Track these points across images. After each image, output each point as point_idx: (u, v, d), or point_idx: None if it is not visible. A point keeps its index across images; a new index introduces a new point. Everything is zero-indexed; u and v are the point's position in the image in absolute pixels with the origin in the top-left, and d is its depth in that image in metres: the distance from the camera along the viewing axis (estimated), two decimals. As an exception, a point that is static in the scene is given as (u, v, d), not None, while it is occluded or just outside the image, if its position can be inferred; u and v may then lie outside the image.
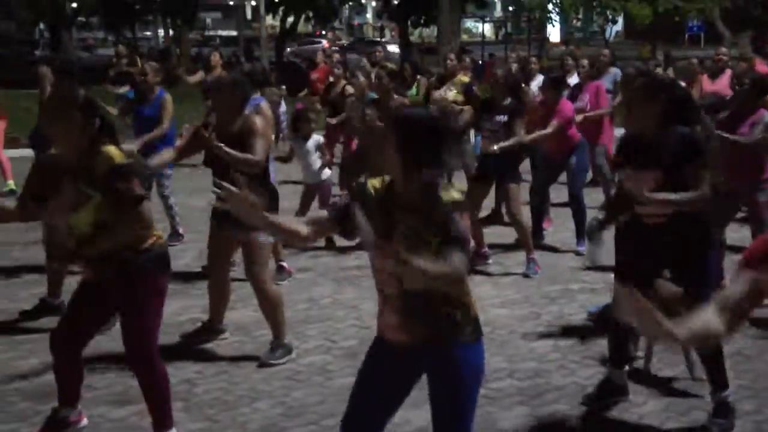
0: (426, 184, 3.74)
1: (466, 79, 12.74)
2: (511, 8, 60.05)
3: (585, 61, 13.26)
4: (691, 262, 5.75)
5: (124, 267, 4.98)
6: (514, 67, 15.09)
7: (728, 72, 12.50)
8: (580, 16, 52.35)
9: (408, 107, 4.51)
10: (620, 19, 52.25)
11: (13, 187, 13.83)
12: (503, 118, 9.39)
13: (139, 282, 5.04)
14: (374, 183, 3.94)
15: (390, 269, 3.79)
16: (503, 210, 10.71)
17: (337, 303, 8.34)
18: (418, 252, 3.62)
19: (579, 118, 10.55)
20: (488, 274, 9.28)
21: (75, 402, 5.56)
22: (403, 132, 3.77)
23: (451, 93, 12.01)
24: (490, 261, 9.64)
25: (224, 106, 6.98)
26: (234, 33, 58.23)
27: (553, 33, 60.75)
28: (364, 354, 4.32)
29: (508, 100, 9.62)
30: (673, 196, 5.54)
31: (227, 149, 6.45)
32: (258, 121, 6.92)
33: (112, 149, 4.97)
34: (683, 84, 10.16)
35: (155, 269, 5.16)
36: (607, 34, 52.45)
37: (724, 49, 15.76)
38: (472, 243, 8.20)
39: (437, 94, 11.99)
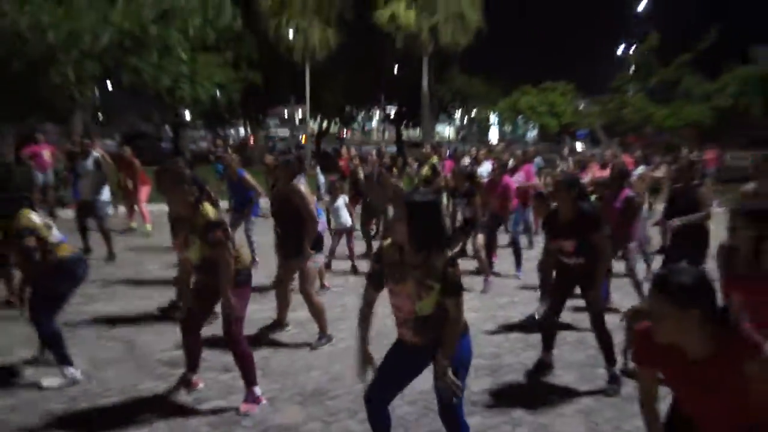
0: (427, 248, 3.74)
1: (434, 160, 12.80)
2: (466, 118, 60.21)
3: (518, 152, 13.30)
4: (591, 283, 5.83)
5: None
6: (467, 161, 15.19)
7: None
8: (510, 126, 52.49)
9: (410, 192, 4.51)
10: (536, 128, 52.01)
11: (149, 229, 13.75)
12: (464, 200, 9.50)
13: (234, 291, 5.07)
14: (389, 247, 3.94)
15: (403, 304, 3.90)
16: (468, 248, 10.71)
17: (358, 308, 8.28)
18: (423, 294, 3.75)
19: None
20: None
21: (196, 369, 5.58)
22: (410, 214, 3.74)
23: (424, 169, 12.08)
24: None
25: (283, 177, 7.07)
26: (287, 133, 58.89)
27: (493, 135, 60.67)
28: (380, 342, 4.35)
29: (466, 185, 9.66)
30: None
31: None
32: (302, 187, 6.96)
33: (208, 207, 5.03)
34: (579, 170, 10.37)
35: (244, 282, 5.20)
36: (528, 137, 52.90)
37: (609, 151, 15.75)
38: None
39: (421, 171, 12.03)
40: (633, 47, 36.69)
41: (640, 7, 41.60)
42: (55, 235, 5.84)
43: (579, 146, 18.79)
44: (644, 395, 3.15)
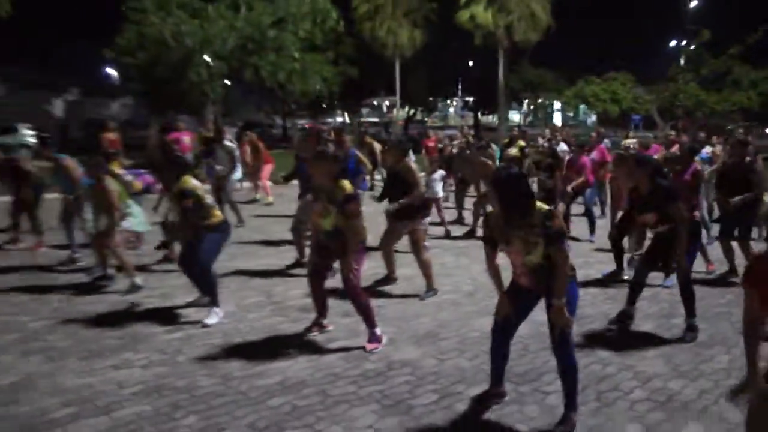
0: (520, 213, 3.77)
1: (522, 143, 12.62)
2: (532, 106, 58.93)
3: (593, 134, 12.94)
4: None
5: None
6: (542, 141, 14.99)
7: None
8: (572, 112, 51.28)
9: (499, 168, 4.51)
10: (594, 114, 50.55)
11: (271, 201, 14.06)
12: (547, 173, 9.36)
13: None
14: (493, 215, 3.99)
15: (515, 259, 3.93)
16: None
17: (456, 266, 8.32)
18: (530, 249, 3.78)
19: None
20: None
21: (325, 314, 5.68)
22: (497, 188, 3.81)
23: (513, 150, 11.88)
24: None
25: (395, 155, 7.08)
26: (377, 119, 59.08)
27: (557, 120, 59.20)
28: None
29: (548, 161, 9.55)
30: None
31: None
32: (412, 164, 7.01)
33: (345, 183, 5.16)
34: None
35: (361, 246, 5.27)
36: (588, 122, 51.62)
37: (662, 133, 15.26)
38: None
39: (508, 152, 11.82)
40: (684, 42, 35.58)
41: (693, 4, 39.81)
42: (209, 199, 6.08)
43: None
44: (749, 317, 3.04)
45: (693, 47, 33.92)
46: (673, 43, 40.10)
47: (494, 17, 33.43)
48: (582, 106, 43.18)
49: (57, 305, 6.47)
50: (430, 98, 51.37)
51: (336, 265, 5.69)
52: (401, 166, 6.92)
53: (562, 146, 13.62)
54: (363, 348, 5.25)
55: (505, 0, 33.45)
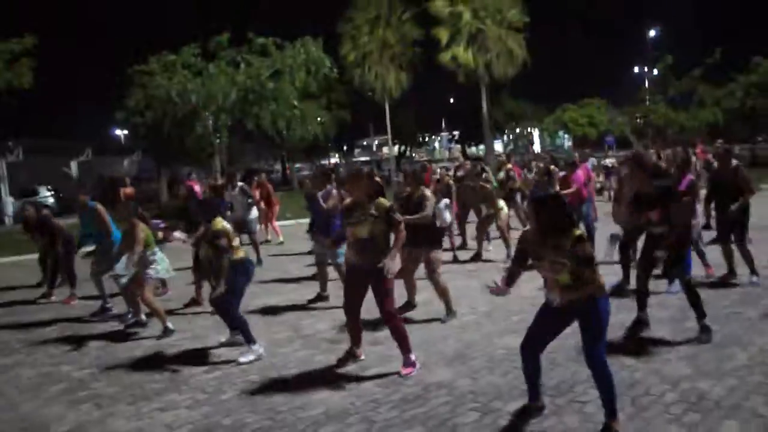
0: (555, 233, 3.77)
1: (509, 166, 12.57)
2: (511, 135, 59.32)
3: (577, 155, 12.96)
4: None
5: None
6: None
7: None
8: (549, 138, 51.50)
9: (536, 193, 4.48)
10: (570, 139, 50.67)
11: (282, 240, 13.96)
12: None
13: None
14: (532, 231, 3.96)
15: (546, 275, 3.91)
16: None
17: (469, 289, 8.17)
18: (558, 269, 3.75)
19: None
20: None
21: (359, 343, 5.56)
22: (536, 209, 3.86)
23: (501, 174, 11.93)
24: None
25: (412, 183, 7.05)
26: (368, 158, 59.44)
27: (536, 147, 59.49)
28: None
29: (545, 178, 9.61)
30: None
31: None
32: (428, 191, 6.97)
33: (383, 199, 5.22)
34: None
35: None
36: (565, 146, 52.15)
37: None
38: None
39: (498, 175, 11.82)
40: (646, 68, 36.66)
41: (651, 33, 40.76)
42: (237, 240, 6.02)
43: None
44: None
45: (656, 72, 34.66)
46: (636, 69, 40.97)
47: (474, 56, 33.79)
48: (560, 132, 43.44)
49: (96, 353, 6.34)
50: (419, 134, 51.70)
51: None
52: (419, 194, 6.87)
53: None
54: (398, 373, 5.11)
55: (484, 39, 33.85)
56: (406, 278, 7.24)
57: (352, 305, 5.38)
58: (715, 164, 8.07)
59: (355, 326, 5.48)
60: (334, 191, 7.86)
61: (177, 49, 21.10)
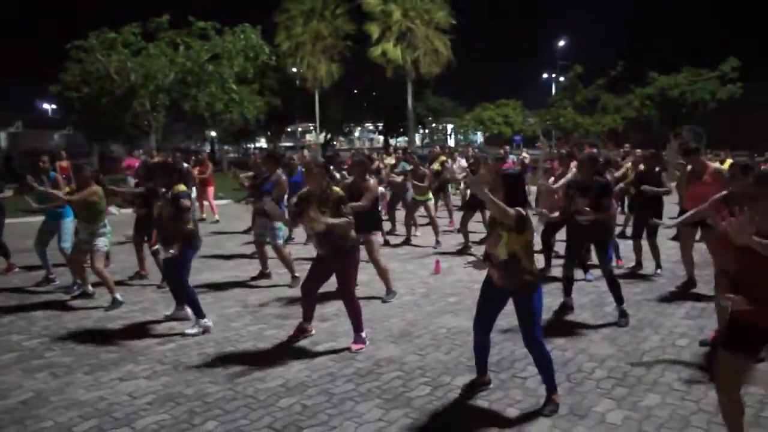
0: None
1: (443, 158, 12.67)
2: (427, 129, 60.13)
3: (501, 151, 13.31)
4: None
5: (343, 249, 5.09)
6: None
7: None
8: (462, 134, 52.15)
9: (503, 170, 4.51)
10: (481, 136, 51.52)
11: (217, 219, 13.62)
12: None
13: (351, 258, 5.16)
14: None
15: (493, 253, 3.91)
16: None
17: (405, 272, 8.25)
18: (497, 242, 3.84)
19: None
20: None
21: (311, 320, 5.52)
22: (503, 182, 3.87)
23: (435, 165, 11.98)
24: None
25: (357, 173, 7.00)
26: (292, 144, 58.81)
27: (450, 142, 60.35)
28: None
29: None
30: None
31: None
32: (372, 181, 6.95)
33: (336, 189, 5.13)
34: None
35: (357, 251, 5.22)
36: (477, 142, 53.28)
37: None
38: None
39: (432, 167, 11.84)
40: (554, 74, 38.26)
41: (561, 43, 42.39)
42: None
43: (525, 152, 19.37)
44: None
45: (563, 78, 35.97)
46: (545, 75, 42.40)
47: (403, 53, 34.02)
48: (471, 129, 44.00)
49: (45, 323, 6.01)
50: (344, 124, 51.47)
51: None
52: (365, 182, 6.84)
53: (462, 162, 14.08)
54: (348, 349, 5.13)
55: (412, 37, 34.11)
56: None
57: (311, 287, 5.32)
58: (641, 167, 8.41)
59: (310, 305, 5.43)
60: (283, 177, 7.73)
61: (117, 27, 20.22)
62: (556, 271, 7.50)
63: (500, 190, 3.82)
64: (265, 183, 7.65)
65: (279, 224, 7.39)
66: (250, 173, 9.19)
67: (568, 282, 6.28)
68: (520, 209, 3.74)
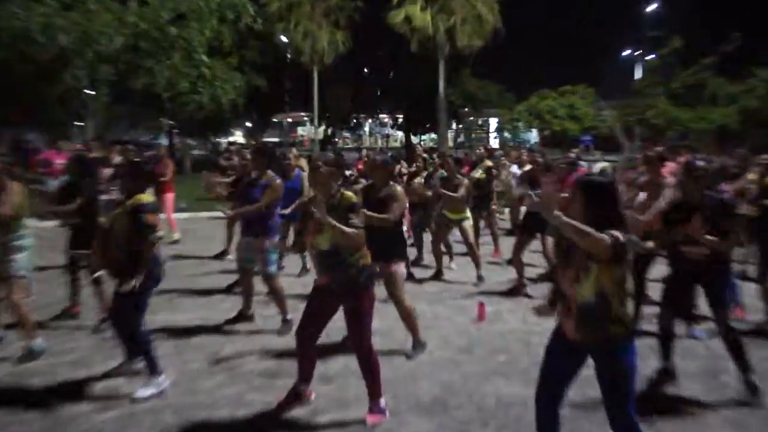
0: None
1: (489, 164, 12.65)
2: (460, 125, 60.65)
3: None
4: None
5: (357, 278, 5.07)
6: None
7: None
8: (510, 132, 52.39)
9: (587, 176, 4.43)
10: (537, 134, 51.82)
11: (177, 238, 13.68)
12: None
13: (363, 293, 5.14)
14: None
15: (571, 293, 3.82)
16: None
17: (435, 317, 8.20)
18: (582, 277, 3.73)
19: None
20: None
21: (309, 380, 5.46)
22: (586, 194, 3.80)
23: (479, 173, 11.94)
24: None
25: (380, 177, 6.98)
26: (278, 139, 59.55)
27: (493, 142, 60.84)
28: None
29: None
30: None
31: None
32: (399, 188, 6.93)
33: (348, 193, 5.16)
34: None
35: (373, 285, 5.18)
36: (531, 142, 53.41)
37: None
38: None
39: (472, 174, 11.86)
40: (648, 49, 37.38)
41: (651, 7, 41.92)
42: None
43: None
44: None
45: (653, 56, 35.38)
46: (627, 52, 42.03)
47: (433, 18, 34.09)
48: (520, 124, 43.74)
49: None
50: (353, 115, 51.83)
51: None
52: (388, 188, 6.76)
53: (514, 169, 14.17)
54: (363, 422, 5.08)
55: (447, -1, 34.09)
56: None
57: (309, 333, 5.28)
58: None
59: (308, 359, 5.37)
60: (278, 180, 7.69)
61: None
62: (648, 324, 7.37)
63: (581, 207, 3.74)
64: (253, 187, 7.62)
65: (272, 247, 7.43)
66: (228, 178, 9.19)
67: (666, 339, 6.14)
68: (616, 233, 3.63)
